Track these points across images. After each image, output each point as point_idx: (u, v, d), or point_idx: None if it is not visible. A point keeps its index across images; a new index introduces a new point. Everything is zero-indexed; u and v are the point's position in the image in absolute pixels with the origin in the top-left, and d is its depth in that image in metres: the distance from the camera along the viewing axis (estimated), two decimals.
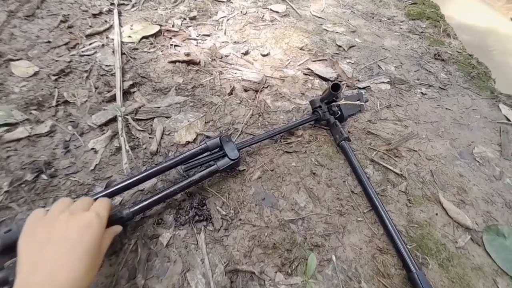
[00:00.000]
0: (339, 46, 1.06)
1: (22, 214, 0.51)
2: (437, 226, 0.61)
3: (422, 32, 1.25)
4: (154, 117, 0.71)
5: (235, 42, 0.99)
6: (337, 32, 1.14)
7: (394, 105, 0.87)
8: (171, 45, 0.91)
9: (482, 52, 1.21)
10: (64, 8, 0.94)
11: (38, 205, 0.52)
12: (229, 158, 0.57)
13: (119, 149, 0.63)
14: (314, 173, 0.66)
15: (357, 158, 0.68)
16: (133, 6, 1.03)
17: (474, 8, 1.67)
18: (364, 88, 0.91)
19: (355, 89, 0.90)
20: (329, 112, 0.73)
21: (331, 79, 0.91)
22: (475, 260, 0.57)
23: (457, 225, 0.62)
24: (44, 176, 0.56)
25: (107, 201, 0.44)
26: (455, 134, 0.82)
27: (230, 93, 0.80)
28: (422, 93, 0.93)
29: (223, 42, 0.98)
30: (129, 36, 0.90)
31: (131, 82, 0.76)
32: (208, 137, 0.69)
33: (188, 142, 0.67)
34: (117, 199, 0.55)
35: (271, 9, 1.19)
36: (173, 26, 0.99)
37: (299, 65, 0.95)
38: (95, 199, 0.45)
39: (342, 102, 0.72)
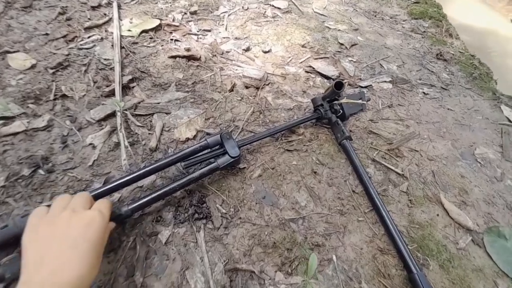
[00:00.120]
0: (341, 44, 1.05)
1: (19, 210, 0.49)
2: (438, 227, 0.61)
3: (424, 31, 1.24)
4: (153, 113, 0.70)
5: (236, 38, 0.98)
6: (339, 30, 1.13)
7: (396, 105, 0.86)
8: (171, 39, 0.90)
9: (482, 53, 1.20)
10: (62, 0, 0.92)
11: (35, 200, 0.51)
12: (230, 156, 0.56)
13: (117, 144, 0.62)
14: (315, 172, 0.65)
15: (359, 157, 0.67)
16: None
17: (474, 9, 1.67)
18: (366, 87, 0.90)
19: (357, 87, 0.89)
20: (330, 110, 0.72)
21: (332, 77, 0.90)
22: (476, 261, 0.57)
23: (458, 226, 0.61)
24: (41, 171, 0.55)
25: (109, 201, 0.44)
26: (457, 135, 0.81)
27: (231, 90, 0.79)
28: (424, 93, 0.93)
29: (224, 37, 0.97)
30: (129, 30, 0.88)
31: (130, 77, 0.74)
32: (208, 134, 0.68)
33: (188, 139, 0.66)
34: (116, 195, 0.54)
35: (273, 5, 1.18)
36: (173, 20, 0.97)
37: (301, 62, 0.94)
38: (94, 196, 0.44)
39: (344, 100, 0.71)
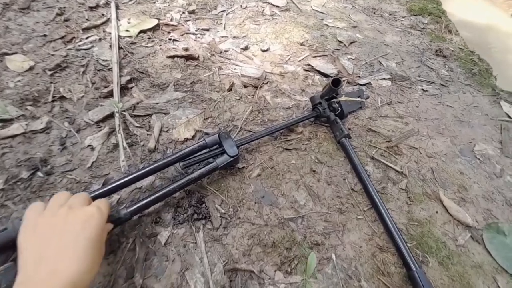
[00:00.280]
0: (340, 42, 1.05)
1: (18, 213, 0.50)
2: (437, 224, 0.61)
3: (423, 28, 1.24)
4: (152, 114, 0.70)
5: (234, 37, 0.97)
6: (338, 28, 1.12)
7: (395, 102, 0.86)
8: (170, 39, 0.90)
9: (482, 49, 1.20)
10: (60, 0, 0.92)
11: None
12: (228, 155, 0.57)
13: (116, 146, 0.62)
14: (314, 171, 0.65)
15: (358, 155, 0.67)
16: None
17: (474, 5, 1.65)
18: (365, 84, 0.90)
19: (356, 85, 0.89)
20: (329, 109, 0.72)
21: (331, 75, 0.90)
22: (475, 258, 0.57)
23: (457, 223, 0.61)
24: (40, 174, 0.55)
25: (107, 200, 0.44)
26: (456, 132, 0.81)
27: (230, 89, 0.79)
28: (423, 90, 0.92)
29: (222, 37, 0.97)
30: (127, 30, 0.88)
31: (128, 78, 0.74)
32: (207, 133, 0.68)
33: (186, 139, 0.66)
34: (115, 197, 0.54)
35: (271, 4, 1.17)
36: (171, 20, 0.97)
37: (299, 61, 0.94)
38: (93, 197, 0.44)
39: (342, 98, 0.71)
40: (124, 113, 0.67)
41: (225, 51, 0.92)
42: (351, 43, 1.06)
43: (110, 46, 0.82)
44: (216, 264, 0.49)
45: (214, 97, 0.76)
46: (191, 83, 0.78)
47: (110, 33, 0.85)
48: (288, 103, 0.79)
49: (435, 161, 0.72)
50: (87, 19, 0.89)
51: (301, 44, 1.00)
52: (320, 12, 1.20)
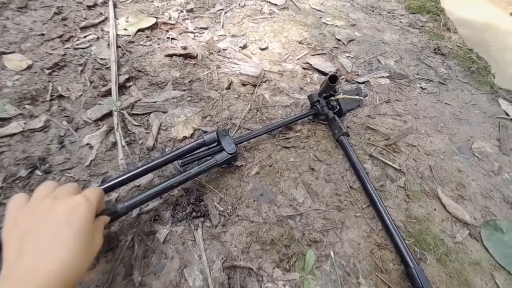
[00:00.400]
0: (339, 40, 1.05)
1: None
2: (435, 221, 0.61)
3: (422, 26, 1.24)
4: (150, 112, 0.70)
5: (233, 36, 0.97)
6: (336, 26, 1.12)
7: (394, 100, 0.86)
8: (168, 38, 0.89)
9: (480, 47, 1.20)
10: None
11: None
12: (227, 152, 0.57)
13: (115, 144, 0.62)
14: (312, 169, 0.65)
15: (356, 153, 0.67)
16: None
17: (473, 3, 1.65)
18: (363, 82, 0.90)
19: (354, 83, 0.89)
20: (327, 106, 0.72)
21: (330, 73, 0.90)
22: (473, 255, 0.57)
23: (455, 220, 0.61)
24: (38, 172, 0.55)
25: (98, 189, 0.41)
26: (454, 129, 0.81)
27: (228, 88, 0.79)
28: (421, 88, 0.92)
29: (220, 35, 0.97)
30: (125, 29, 0.88)
31: (127, 76, 0.74)
32: (205, 132, 0.68)
33: (185, 138, 0.66)
34: (113, 195, 0.54)
35: (269, 2, 1.17)
36: (169, 18, 0.97)
37: (298, 59, 0.94)
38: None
39: (340, 96, 0.71)
40: (123, 111, 0.67)
41: (223, 49, 0.92)
42: (349, 41, 1.06)
43: (108, 45, 0.82)
44: (215, 262, 0.49)
45: (213, 96, 0.76)
46: (189, 82, 0.78)
47: (108, 32, 0.85)
48: (286, 101, 0.79)
49: (434, 159, 0.72)
50: (85, 18, 0.89)
51: (300, 42, 1.00)
52: (319, 10, 1.20)
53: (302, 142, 0.70)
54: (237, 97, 0.77)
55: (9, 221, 0.34)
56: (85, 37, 0.83)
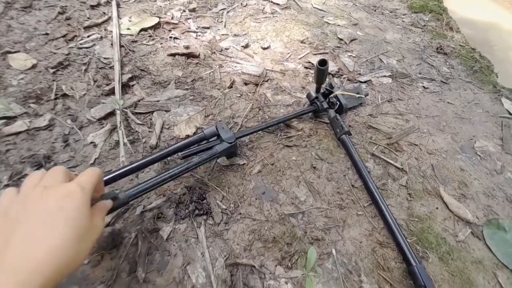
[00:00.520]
0: (341, 39, 1.05)
1: None
2: (437, 220, 0.61)
3: (424, 25, 1.24)
4: (153, 111, 0.70)
5: (235, 35, 0.98)
6: (338, 25, 1.13)
7: (396, 99, 0.86)
8: (170, 37, 0.90)
9: (483, 46, 1.19)
10: None
11: None
12: (226, 142, 0.57)
13: (118, 143, 0.62)
14: (314, 167, 0.65)
15: (358, 152, 0.67)
16: None
17: (476, 2, 1.65)
18: (365, 82, 0.90)
19: (356, 83, 0.89)
20: (328, 104, 0.73)
21: (332, 72, 0.90)
22: (476, 253, 0.57)
23: (457, 219, 0.61)
24: (43, 170, 0.55)
25: (95, 171, 0.38)
26: (457, 128, 0.81)
27: (230, 87, 0.79)
28: (424, 87, 0.92)
29: (223, 34, 0.97)
30: (128, 28, 0.89)
31: (130, 75, 0.75)
32: None
33: (187, 136, 0.66)
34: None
35: (271, 1, 1.18)
36: (172, 18, 0.98)
37: (300, 58, 0.94)
38: None
39: (339, 92, 0.72)
40: (126, 110, 0.68)
41: (225, 49, 0.92)
42: (351, 40, 1.06)
43: (112, 44, 0.82)
44: (218, 259, 0.50)
45: (215, 95, 0.76)
46: (192, 81, 0.79)
47: (112, 32, 0.86)
48: (288, 100, 0.79)
49: (436, 158, 0.72)
50: (88, 18, 0.89)
51: (302, 41, 1.00)
52: (321, 9, 1.20)
53: (304, 141, 0.70)
54: (239, 96, 0.78)
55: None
56: (88, 36, 0.83)
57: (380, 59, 1.00)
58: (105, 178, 0.46)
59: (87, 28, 0.86)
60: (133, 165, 0.50)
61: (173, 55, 0.84)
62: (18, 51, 0.74)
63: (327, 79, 0.72)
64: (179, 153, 0.55)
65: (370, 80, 0.90)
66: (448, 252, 0.56)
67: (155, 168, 0.60)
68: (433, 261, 0.55)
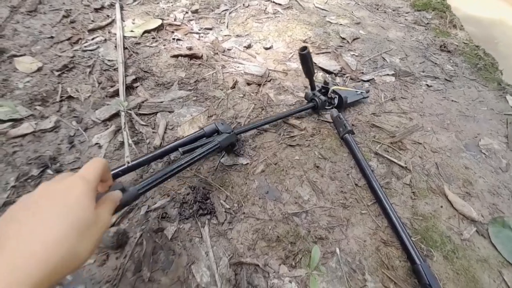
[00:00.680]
0: (343, 39, 1.05)
1: None
2: (442, 218, 0.60)
3: (427, 23, 1.23)
4: (157, 112, 0.71)
5: (237, 36, 0.98)
6: (340, 24, 1.12)
7: (399, 98, 0.86)
8: (173, 39, 0.91)
9: (488, 43, 1.18)
10: (66, 2, 0.94)
11: None
12: (226, 133, 0.58)
13: (123, 143, 0.63)
14: (317, 166, 0.66)
15: (361, 151, 0.67)
16: (134, 0, 1.03)
17: None
18: (368, 80, 0.90)
19: (359, 81, 0.89)
20: (328, 102, 0.74)
21: (334, 72, 0.90)
22: (481, 252, 0.57)
23: (462, 218, 0.61)
24: (49, 171, 0.56)
25: (99, 161, 0.35)
26: (461, 126, 0.81)
27: (233, 87, 0.80)
28: (427, 85, 0.92)
29: (225, 35, 0.97)
30: (131, 31, 0.89)
31: (134, 77, 0.76)
32: None
33: None
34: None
35: (273, 2, 1.18)
36: (175, 20, 0.98)
37: None
38: None
39: (335, 87, 0.73)
40: (130, 111, 0.68)
41: (228, 49, 0.92)
42: (354, 39, 1.06)
43: (115, 46, 0.83)
44: (222, 258, 0.50)
45: (218, 95, 0.77)
46: (195, 82, 0.79)
47: (115, 34, 0.87)
48: (291, 100, 0.79)
49: (440, 156, 0.72)
50: (92, 21, 0.90)
51: (304, 41, 1.00)
52: (323, 9, 1.20)
53: (307, 140, 0.70)
54: (242, 96, 0.78)
55: (4, 216, 0.29)
56: (93, 39, 0.84)
57: (383, 57, 1.00)
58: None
59: (91, 31, 0.87)
60: (135, 161, 0.51)
61: (176, 56, 0.85)
62: (24, 55, 0.75)
63: (324, 80, 0.73)
64: (180, 149, 0.55)
65: (373, 78, 0.90)
66: (453, 250, 0.56)
67: (159, 169, 0.61)
68: (438, 259, 0.54)
